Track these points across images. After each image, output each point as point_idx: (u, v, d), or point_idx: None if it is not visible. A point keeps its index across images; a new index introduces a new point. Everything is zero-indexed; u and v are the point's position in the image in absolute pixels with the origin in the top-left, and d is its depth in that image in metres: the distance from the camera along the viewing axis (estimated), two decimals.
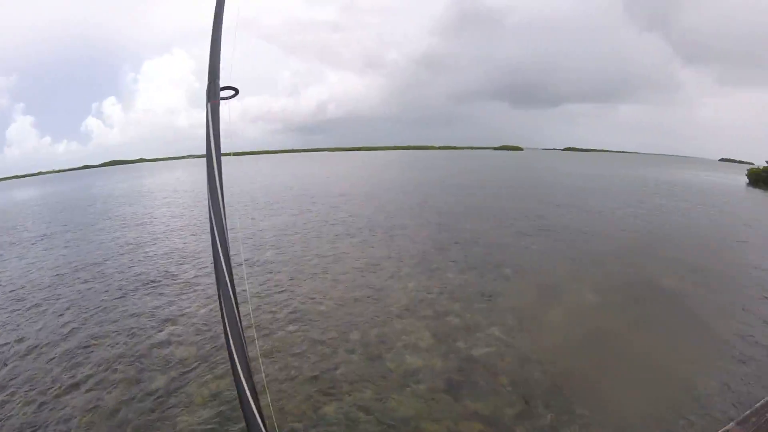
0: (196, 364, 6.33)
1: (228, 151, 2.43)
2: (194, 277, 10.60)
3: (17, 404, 5.48)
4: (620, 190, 29.94)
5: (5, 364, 6.56)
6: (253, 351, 6.64)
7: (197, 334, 7.33)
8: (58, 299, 9.44)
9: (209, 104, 2.19)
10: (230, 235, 2.11)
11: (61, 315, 8.52)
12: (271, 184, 38.07)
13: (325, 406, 5.27)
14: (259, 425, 1.70)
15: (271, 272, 10.78)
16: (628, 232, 15.44)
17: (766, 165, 40.94)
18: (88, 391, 5.74)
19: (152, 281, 10.41)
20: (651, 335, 7.03)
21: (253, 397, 1.72)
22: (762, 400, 3.78)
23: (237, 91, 2.31)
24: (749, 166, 47.81)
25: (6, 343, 7.31)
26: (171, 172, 72.77)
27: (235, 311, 1.88)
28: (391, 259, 11.88)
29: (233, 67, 2.38)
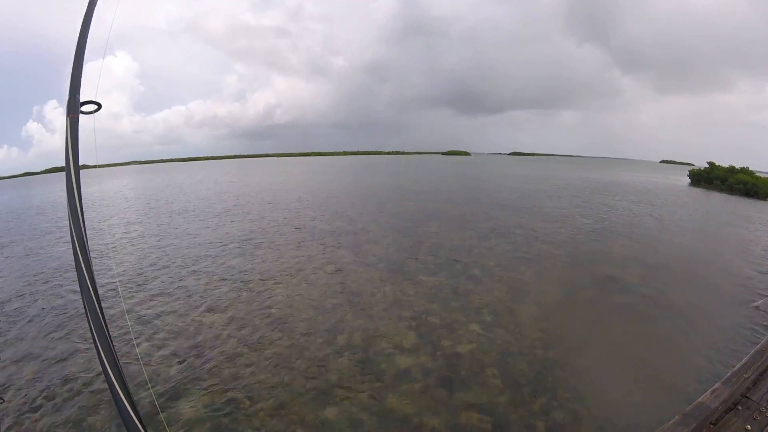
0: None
1: (91, 164, 2.43)
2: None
3: None
4: (569, 193, 32.29)
5: None
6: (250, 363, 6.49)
7: None
8: None
9: (68, 118, 2.05)
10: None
11: None
12: (224, 191, 36.45)
13: (324, 411, 5.29)
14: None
15: (242, 281, 10.44)
16: (582, 232, 16.77)
17: (707, 167, 45.84)
18: None
19: None
20: (614, 322, 7.81)
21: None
22: (741, 361, 4.41)
23: (100, 106, 2.17)
24: (689, 167, 52.55)
25: None
26: (118, 179, 67.22)
27: (101, 318, 1.75)
28: (362, 263, 11.98)
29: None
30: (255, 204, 25.96)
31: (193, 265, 12.05)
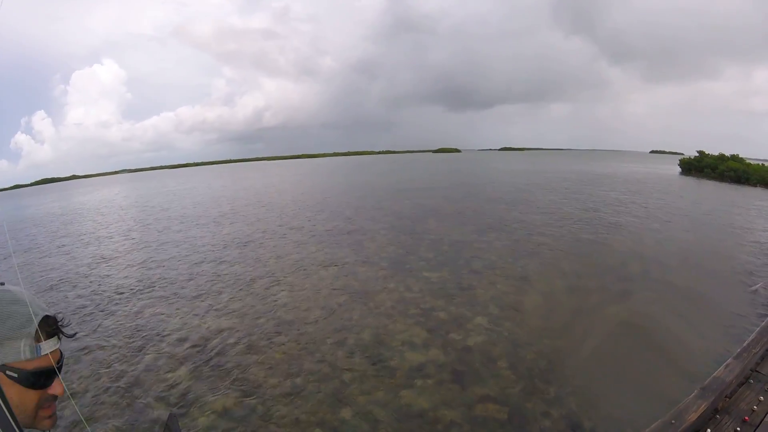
0: None
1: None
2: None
3: None
4: (560, 186, 32.63)
5: None
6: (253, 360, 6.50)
7: None
8: None
9: None
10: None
11: None
12: (219, 196, 36.21)
13: (341, 411, 5.31)
14: None
15: (245, 284, 10.41)
16: (578, 223, 16.97)
17: (697, 155, 46.01)
18: None
19: None
20: (617, 309, 7.94)
21: None
22: (750, 337, 4.55)
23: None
24: (679, 157, 52.64)
25: None
26: (108, 188, 66.48)
27: None
28: (364, 262, 12.01)
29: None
30: (250, 207, 25.84)
31: (194, 269, 11.98)
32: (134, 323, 8.43)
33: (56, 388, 0.94)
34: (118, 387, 6.11)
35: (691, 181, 36.95)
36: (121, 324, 8.42)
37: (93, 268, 13.03)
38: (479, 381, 5.78)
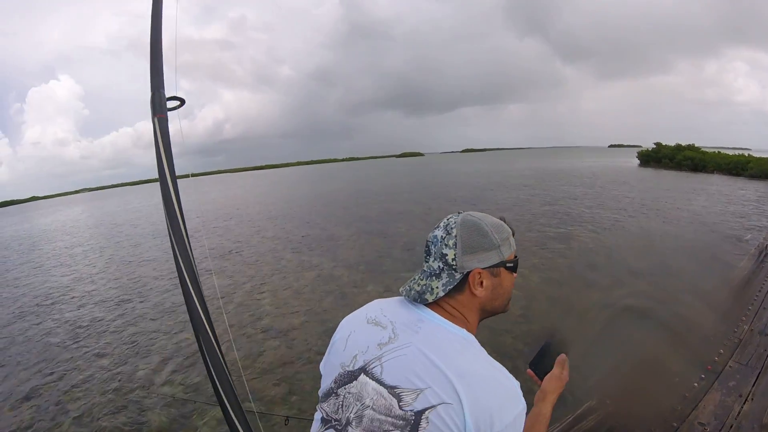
0: None
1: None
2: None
3: None
4: (517, 182, 34.27)
5: None
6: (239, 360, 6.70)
7: None
8: None
9: (156, 118, 1.81)
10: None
11: None
12: (189, 210, 34.92)
13: None
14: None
15: (226, 296, 10.41)
16: (535, 216, 18.05)
17: (654, 147, 47.55)
18: None
19: None
20: (599, 294, 8.33)
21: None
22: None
23: (183, 102, 1.92)
24: (638, 149, 53.75)
25: None
26: (69, 208, 62.10)
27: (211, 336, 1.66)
28: (342, 267, 12.30)
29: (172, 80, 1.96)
30: (219, 220, 25.37)
31: (170, 287, 11.79)
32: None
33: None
34: None
35: (650, 172, 38.97)
36: None
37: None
38: None
